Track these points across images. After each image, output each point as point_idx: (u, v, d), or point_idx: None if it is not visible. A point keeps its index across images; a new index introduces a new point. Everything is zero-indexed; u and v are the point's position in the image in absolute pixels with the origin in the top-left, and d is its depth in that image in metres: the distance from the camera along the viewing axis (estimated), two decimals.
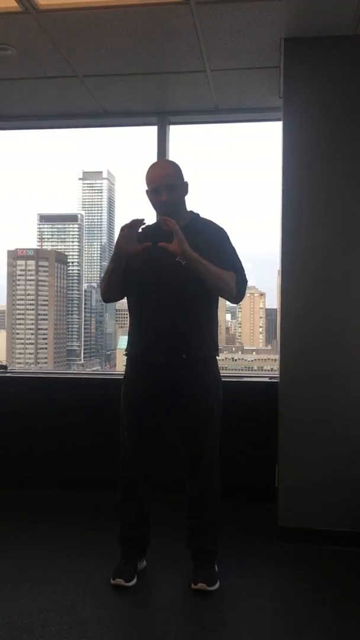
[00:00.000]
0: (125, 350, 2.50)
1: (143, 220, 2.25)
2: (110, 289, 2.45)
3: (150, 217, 2.54)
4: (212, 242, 2.39)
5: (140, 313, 2.41)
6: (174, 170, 2.42)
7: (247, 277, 2.44)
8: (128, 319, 2.52)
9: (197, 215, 2.49)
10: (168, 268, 2.29)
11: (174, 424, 2.44)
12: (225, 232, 2.47)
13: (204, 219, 2.49)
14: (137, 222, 2.25)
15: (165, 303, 2.31)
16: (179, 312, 2.32)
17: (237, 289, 2.37)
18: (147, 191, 2.44)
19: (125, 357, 2.50)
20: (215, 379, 2.44)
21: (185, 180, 2.45)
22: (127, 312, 2.55)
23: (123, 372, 2.51)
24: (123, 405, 2.46)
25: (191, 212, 2.49)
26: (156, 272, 2.33)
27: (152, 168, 2.45)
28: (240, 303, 2.50)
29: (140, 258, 2.34)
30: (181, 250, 2.21)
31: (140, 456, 2.45)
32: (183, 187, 2.44)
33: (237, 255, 2.45)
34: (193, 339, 2.34)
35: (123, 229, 2.26)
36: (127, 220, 2.26)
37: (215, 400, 2.43)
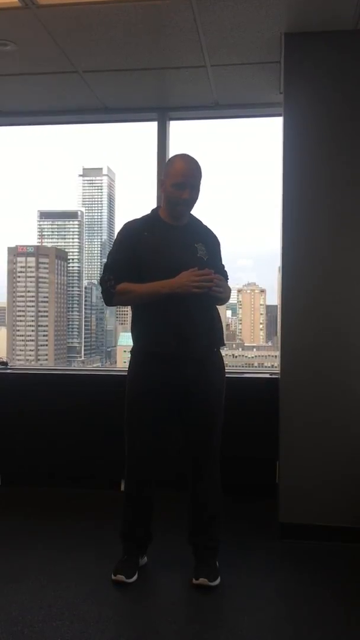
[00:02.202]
0: (135, 346, 2.42)
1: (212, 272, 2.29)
2: (125, 304, 2.53)
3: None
4: (210, 246, 2.46)
5: (164, 309, 2.29)
6: (199, 170, 2.40)
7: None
8: (137, 315, 2.40)
9: (194, 216, 2.50)
10: (190, 264, 2.29)
11: (181, 423, 2.44)
12: (218, 240, 2.55)
13: (197, 217, 2.51)
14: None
15: (189, 298, 2.26)
16: (204, 306, 2.33)
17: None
18: (163, 181, 2.40)
19: (132, 355, 2.44)
20: (222, 374, 2.47)
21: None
22: (130, 309, 2.49)
23: (124, 369, 2.49)
24: (129, 405, 2.42)
25: None
26: (178, 269, 2.28)
27: (180, 162, 2.38)
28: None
29: (159, 255, 2.33)
30: (225, 291, 2.37)
31: (147, 456, 2.43)
32: (199, 189, 2.43)
33: None
34: (208, 337, 2.38)
35: (196, 280, 2.25)
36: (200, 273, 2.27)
37: (222, 397, 2.45)
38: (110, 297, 2.38)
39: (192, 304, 2.28)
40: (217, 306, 2.48)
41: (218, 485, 2.47)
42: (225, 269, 2.57)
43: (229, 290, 2.51)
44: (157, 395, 2.35)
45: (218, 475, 2.47)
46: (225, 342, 2.50)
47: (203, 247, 2.39)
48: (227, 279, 2.55)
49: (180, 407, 2.40)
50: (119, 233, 2.45)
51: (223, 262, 2.57)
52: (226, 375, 2.50)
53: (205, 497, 2.44)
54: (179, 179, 2.33)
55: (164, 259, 2.31)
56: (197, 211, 2.49)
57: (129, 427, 2.43)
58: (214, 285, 2.26)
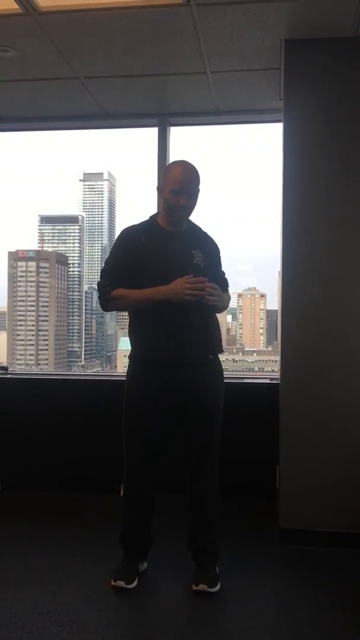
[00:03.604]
0: (134, 352, 2.42)
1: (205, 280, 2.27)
2: (121, 310, 2.55)
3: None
4: (210, 252, 2.47)
5: (162, 315, 2.30)
6: (198, 177, 2.41)
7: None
8: (135, 321, 2.40)
9: (193, 223, 2.50)
10: (186, 270, 2.29)
11: (180, 428, 2.43)
12: (218, 247, 2.54)
13: (199, 228, 2.51)
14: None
15: (185, 305, 2.26)
16: (202, 313, 2.32)
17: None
18: (161, 187, 2.43)
19: (130, 360, 2.44)
20: (222, 381, 2.47)
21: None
22: (129, 314, 2.49)
23: (124, 374, 2.47)
24: (127, 410, 2.42)
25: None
26: (174, 275, 2.28)
27: (178, 169, 2.39)
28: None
29: (156, 261, 2.33)
30: (221, 300, 2.38)
31: (148, 462, 2.43)
32: (198, 195, 2.43)
33: None
34: (206, 343, 2.38)
35: (189, 288, 2.24)
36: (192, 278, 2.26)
37: (221, 403, 2.45)
38: (106, 302, 2.40)
39: (188, 310, 2.28)
40: (217, 313, 2.48)
41: (217, 490, 2.46)
42: (226, 276, 2.57)
43: (227, 298, 2.52)
44: (155, 400, 2.35)
45: (217, 480, 2.47)
46: (223, 348, 2.49)
47: (200, 253, 2.39)
48: (227, 286, 2.55)
49: (179, 412, 2.40)
50: (117, 239, 2.46)
51: (223, 269, 2.57)
52: (227, 381, 2.50)
53: (204, 502, 2.44)
54: (177, 185, 2.34)
55: (160, 265, 2.31)
56: (197, 216, 2.50)
57: (127, 432, 2.43)
58: (206, 294, 2.25)
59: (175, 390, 2.33)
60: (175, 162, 2.43)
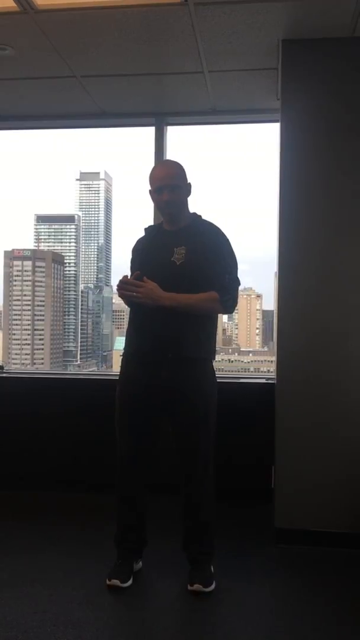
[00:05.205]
0: (123, 350, 2.52)
1: (138, 274, 2.28)
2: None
3: (147, 220, 2.57)
4: (210, 246, 2.38)
5: (137, 312, 2.39)
6: (178, 171, 2.43)
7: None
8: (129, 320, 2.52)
9: (199, 217, 2.49)
10: (165, 268, 2.32)
11: (170, 428, 2.43)
12: (225, 238, 2.44)
13: (206, 221, 2.48)
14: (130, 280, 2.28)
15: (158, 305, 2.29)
16: (165, 314, 2.29)
17: (223, 307, 2.39)
18: (150, 191, 2.46)
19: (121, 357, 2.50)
20: (211, 383, 2.43)
21: (189, 181, 2.46)
22: (124, 313, 2.56)
23: (119, 373, 2.51)
24: (118, 409, 2.45)
25: (194, 213, 2.49)
26: (152, 272, 2.31)
27: (156, 168, 2.49)
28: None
29: (139, 259, 2.40)
30: (152, 300, 2.26)
31: (137, 461, 2.44)
32: (186, 188, 2.45)
33: (233, 262, 2.42)
34: (186, 340, 2.33)
35: (122, 286, 2.29)
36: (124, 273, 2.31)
37: (211, 405, 2.42)
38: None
39: (155, 310, 2.28)
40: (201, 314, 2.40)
41: (210, 492, 2.45)
42: (229, 274, 2.40)
43: (208, 298, 2.33)
44: (139, 395, 2.37)
45: (210, 482, 2.44)
46: (212, 352, 2.44)
47: (183, 250, 2.34)
48: (222, 285, 2.36)
49: (166, 411, 2.40)
50: None
51: (230, 262, 2.41)
52: (223, 381, 2.50)
53: (198, 503, 2.43)
54: (157, 183, 2.40)
55: (145, 264, 2.37)
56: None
57: (116, 429, 2.46)
58: (121, 290, 2.29)
59: (158, 386, 2.34)
60: (155, 165, 2.48)
